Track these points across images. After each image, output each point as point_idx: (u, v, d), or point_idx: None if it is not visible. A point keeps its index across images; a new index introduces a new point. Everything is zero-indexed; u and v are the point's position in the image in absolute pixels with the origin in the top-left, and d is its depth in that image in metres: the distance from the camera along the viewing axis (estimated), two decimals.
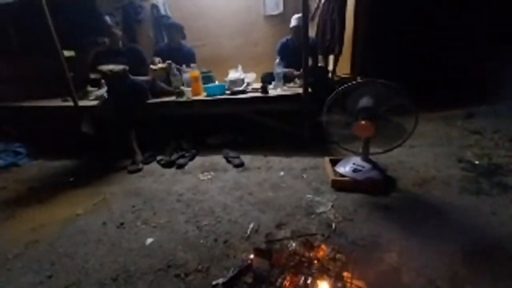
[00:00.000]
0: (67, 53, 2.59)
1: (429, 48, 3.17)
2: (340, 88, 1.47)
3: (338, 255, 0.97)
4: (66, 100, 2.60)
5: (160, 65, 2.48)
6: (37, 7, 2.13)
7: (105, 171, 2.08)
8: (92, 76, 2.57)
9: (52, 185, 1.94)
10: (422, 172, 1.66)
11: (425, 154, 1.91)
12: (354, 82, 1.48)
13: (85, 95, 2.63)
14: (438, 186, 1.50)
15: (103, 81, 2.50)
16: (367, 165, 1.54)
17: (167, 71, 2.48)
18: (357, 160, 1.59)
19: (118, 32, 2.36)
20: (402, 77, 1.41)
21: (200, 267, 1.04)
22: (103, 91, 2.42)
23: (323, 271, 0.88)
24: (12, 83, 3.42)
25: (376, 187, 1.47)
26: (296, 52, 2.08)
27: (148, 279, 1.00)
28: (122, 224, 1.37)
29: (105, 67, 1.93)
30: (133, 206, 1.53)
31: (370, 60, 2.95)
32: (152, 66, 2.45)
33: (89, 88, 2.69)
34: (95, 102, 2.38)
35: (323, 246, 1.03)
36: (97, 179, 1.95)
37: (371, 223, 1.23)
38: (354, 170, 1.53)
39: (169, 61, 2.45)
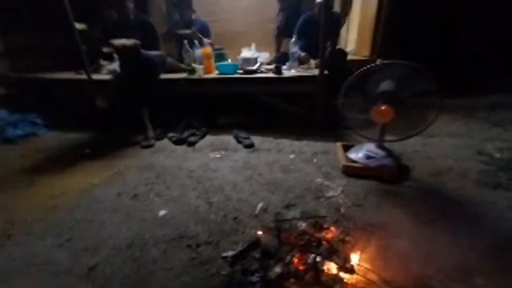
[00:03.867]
0: (78, 26, 2.55)
1: (455, 31, 2.92)
2: (360, 70, 1.40)
3: (347, 238, 0.98)
4: (79, 73, 2.61)
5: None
6: None
7: (119, 145, 2.13)
8: (105, 50, 2.54)
9: (69, 156, 2.01)
10: (438, 162, 1.61)
11: (443, 145, 1.84)
12: (375, 64, 1.40)
13: (98, 69, 2.63)
14: (455, 178, 1.46)
15: (115, 55, 2.47)
16: (381, 152, 1.50)
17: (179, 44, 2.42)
18: (371, 146, 1.55)
19: (130, 4, 2.29)
20: (425, 61, 1.31)
21: (210, 239, 1.08)
22: (115, 65, 2.41)
23: (332, 252, 0.90)
24: (25, 55, 3.44)
25: (389, 174, 1.44)
26: (317, 31, 1.96)
27: (161, 247, 1.05)
28: (136, 195, 1.42)
29: (117, 41, 1.90)
30: (146, 179, 1.57)
31: (391, 42, 2.77)
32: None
33: (102, 62, 2.67)
34: (108, 76, 2.38)
35: (332, 228, 1.04)
36: (111, 153, 2.00)
37: (381, 210, 1.22)
38: (367, 157, 1.50)
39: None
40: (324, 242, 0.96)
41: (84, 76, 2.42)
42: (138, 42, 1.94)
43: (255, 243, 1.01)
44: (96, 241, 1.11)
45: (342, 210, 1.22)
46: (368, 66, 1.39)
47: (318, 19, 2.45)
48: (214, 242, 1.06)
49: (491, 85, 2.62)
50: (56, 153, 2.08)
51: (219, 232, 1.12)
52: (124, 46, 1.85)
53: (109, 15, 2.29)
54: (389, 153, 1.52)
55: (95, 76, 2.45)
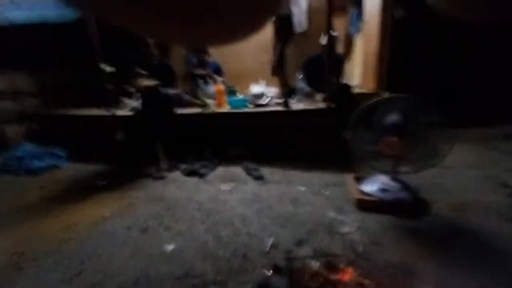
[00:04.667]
0: (108, 68, 2.88)
1: (460, 63, 2.99)
2: (367, 103, 1.44)
3: (365, 281, 0.90)
4: (103, 110, 2.85)
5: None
6: (84, 27, 2.42)
7: (132, 176, 2.19)
8: (131, 89, 2.80)
9: (85, 187, 2.08)
10: (458, 195, 1.52)
11: (461, 177, 1.75)
12: (381, 97, 1.44)
13: (121, 106, 2.86)
14: (476, 212, 1.36)
15: (137, 93, 2.71)
16: (396, 185, 1.45)
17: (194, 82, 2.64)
18: (385, 179, 1.51)
19: (156, 50, 2.61)
20: (432, 93, 1.34)
21: (218, 279, 1.03)
22: (137, 102, 2.63)
23: None
24: (55, 93, 3.84)
25: (406, 209, 1.37)
26: (322, 69, 2.10)
27: (166, 286, 1.01)
28: (145, 229, 1.41)
29: (141, 83, 2.12)
30: (157, 212, 1.58)
31: (396, 76, 2.87)
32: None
33: (125, 100, 2.92)
34: (130, 113, 2.58)
35: (348, 269, 0.97)
36: (125, 184, 2.06)
37: (401, 248, 1.14)
38: (382, 190, 1.45)
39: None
40: (340, 286, 0.88)
41: (107, 112, 2.64)
42: (159, 83, 2.15)
43: (265, 284, 0.94)
44: (103, 276, 1.08)
45: (359, 248, 1.14)
46: (375, 100, 1.44)
47: (323, 58, 2.63)
48: (222, 282, 1.01)
49: (506, 114, 2.57)
50: (74, 185, 2.17)
51: (227, 270, 1.07)
52: (147, 87, 2.05)
53: (135, 58, 2.61)
54: (405, 185, 1.46)
55: (118, 112, 2.66)
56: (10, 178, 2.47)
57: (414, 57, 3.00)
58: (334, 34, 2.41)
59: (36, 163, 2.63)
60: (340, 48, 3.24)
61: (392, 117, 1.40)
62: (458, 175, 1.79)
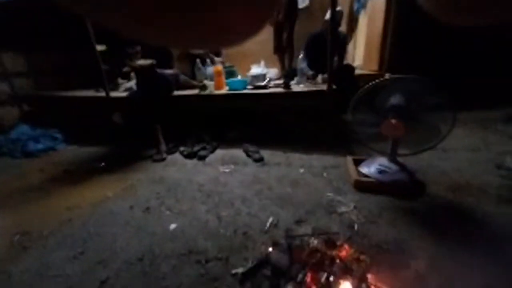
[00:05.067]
0: (99, 47, 2.75)
1: (464, 41, 2.90)
2: (369, 84, 1.41)
3: (361, 256, 0.94)
4: (98, 91, 2.77)
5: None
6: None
7: (132, 159, 2.19)
8: (124, 69, 2.70)
9: (85, 169, 2.08)
10: (455, 177, 1.55)
11: (459, 159, 1.78)
12: (384, 78, 1.41)
13: (116, 87, 2.78)
14: (473, 193, 1.39)
15: (132, 73, 2.62)
16: (394, 167, 1.47)
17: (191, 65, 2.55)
18: (383, 161, 1.52)
19: None
20: (435, 74, 1.31)
21: (219, 255, 1.06)
22: (132, 83, 2.55)
23: (346, 271, 0.86)
24: (47, 74, 3.71)
25: (403, 190, 1.40)
26: (324, 48, 2.02)
27: (171, 262, 1.05)
28: (147, 208, 1.44)
29: (135, 62, 2.04)
30: (158, 193, 1.59)
31: (399, 56, 2.79)
32: None
33: (120, 80, 2.83)
34: (125, 94, 2.51)
35: (345, 246, 1.01)
36: (125, 166, 2.06)
37: (396, 227, 1.17)
38: (380, 171, 1.46)
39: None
40: (337, 261, 0.92)
41: (102, 94, 2.57)
42: (154, 62, 2.06)
43: (266, 260, 0.98)
44: (108, 254, 1.12)
45: (356, 226, 1.18)
46: (377, 81, 1.40)
47: (326, 36, 2.53)
48: (224, 258, 1.05)
49: (507, 96, 2.55)
50: (73, 167, 2.16)
51: (228, 247, 1.11)
52: (142, 67, 1.97)
53: (136, 52, 2.48)
54: (403, 167, 1.48)
55: (113, 94, 2.59)
56: (7, 160, 2.46)
57: (417, 38, 2.90)
58: (339, 9, 2.29)
59: (32, 145, 2.60)
60: (343, 27, 3.10)
61: (394, 99, 1.38)
62: (457, 157, 1.81)
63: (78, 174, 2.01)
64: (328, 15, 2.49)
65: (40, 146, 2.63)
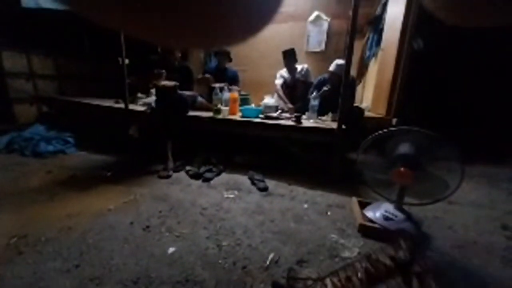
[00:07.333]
0: (125, 61, 2.95)
1: (472, 98, 3.04)
2: (380, 132, 1.47)
3: None
4: (117, 102, 2.90)
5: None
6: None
7: (138, 172, 2.21)
8: (150, 86, 2.86)
9: (91, 176, 2.10)
10: (461, 234, 1.52)
11: (465, 214, 1.76)
12: (395, 129, 1.47)
13: (134, 100, 2.92)
14: (479, 253, 1.35)
15: (152, 90, 2.77)
16: (400, 215, 1.46)
17: (209, 88, 2.69)
18: (389, 207, 1.52)
19: (177, 53, 2.70)
20: (441, 124, 1.37)
21: None
22: (151, 99, 2.67)
23: None
24: (71, 80, 3.93)
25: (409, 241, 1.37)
26: (334, 91, 2.15)
27: None
28: (148, 227, 1.42)
29: (160, 82, 2.18)
30: (160, 211, 1.58)
31: (407, 103, 2.91)
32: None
33: (139, 95, 2.98)
34: (142, 108, 2.63)
35: None
36: (130, 179, 2.08)
37: None
38: (386, 218, 1.45)
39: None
40: None
41: (121, 105, 2.69)
42: (177, 84, 2.20)
43: None
44: (103, 271, 1.09)
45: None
46: (386, 130, 1.46)
47: (329, 84, 2.69)
48: None
49: None
50: (80, 172, 2.19)
51: (226, 281, 1.07)
52: (165, 87, 2.10)
53: (159, 74, 2.68)
54: (409, 216, 1.47)
55: (131, 106, 2.71)
56: (16, 158, 2.50)
57: (426, 87, 3.06)
58: (341, 62, 2.47)
59: (43, 146, 2.66)
60: (353, 71, 3.30)
61: (404, 147, 1.42)
62: (462, 212, 1.79)
63: (84, 180, 2.02)
64: (332, 66, 2.68)
65: (50, 147, 2.68)
